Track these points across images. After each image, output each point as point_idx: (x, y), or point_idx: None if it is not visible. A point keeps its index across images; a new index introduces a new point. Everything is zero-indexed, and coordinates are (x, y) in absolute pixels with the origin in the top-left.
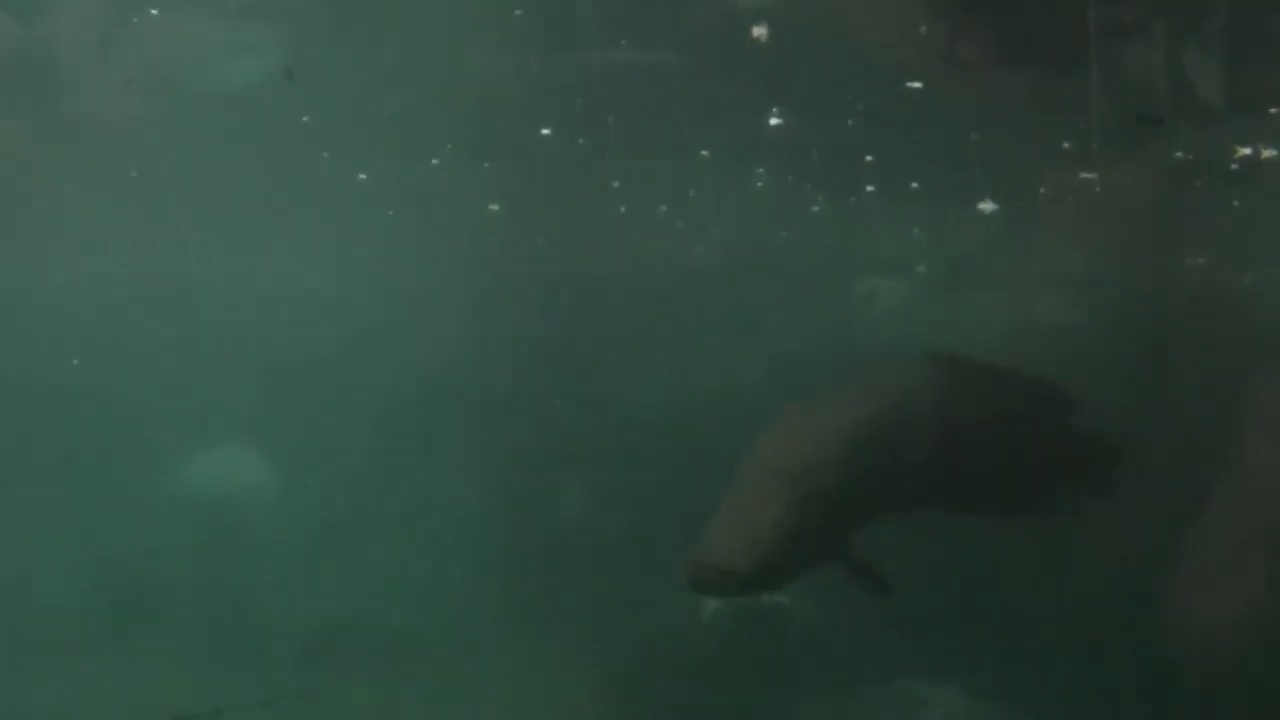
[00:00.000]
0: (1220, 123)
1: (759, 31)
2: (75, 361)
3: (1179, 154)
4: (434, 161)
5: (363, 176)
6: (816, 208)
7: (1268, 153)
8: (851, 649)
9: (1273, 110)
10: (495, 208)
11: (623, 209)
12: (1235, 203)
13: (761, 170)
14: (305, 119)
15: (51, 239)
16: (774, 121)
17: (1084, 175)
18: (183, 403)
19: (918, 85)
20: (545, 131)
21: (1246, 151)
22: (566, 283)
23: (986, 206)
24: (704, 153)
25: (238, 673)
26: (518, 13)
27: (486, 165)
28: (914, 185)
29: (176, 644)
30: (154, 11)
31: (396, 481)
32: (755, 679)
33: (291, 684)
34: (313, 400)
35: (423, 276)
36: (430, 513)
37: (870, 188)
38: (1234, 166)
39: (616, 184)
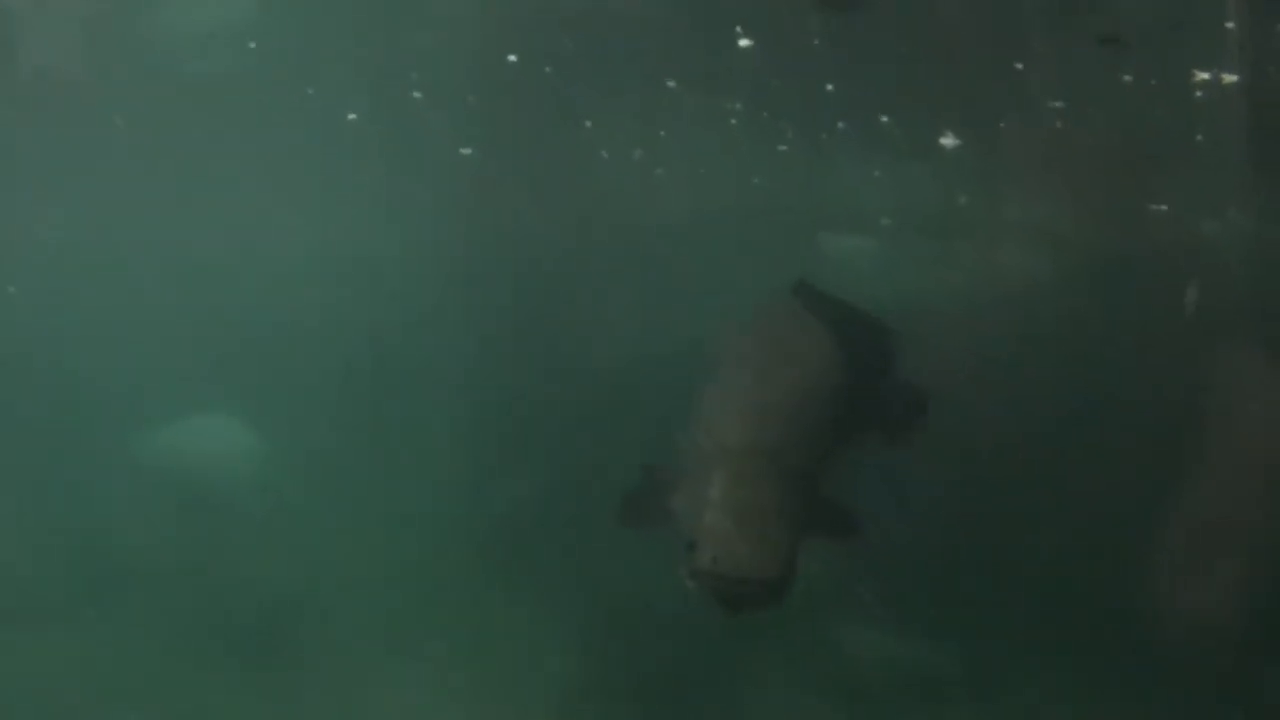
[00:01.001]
0: None
1: None
2: (11, 289)
3: (1128, 77)
4: (416, 94)
5: (352, 116)
6: (784, 147)
7: (1228, 77)
8: (822, 606)
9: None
10: (467, 151)
11: (605, 154)
12: (1198, 137)
13: (739, 106)
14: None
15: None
16: (743, 43)
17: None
18: (150, 370)
19: None
20: (512, 58)
21: (1205, 76)
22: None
23: (948, 141)
24: (670, 83)
25: (206, 645)
26: None
27: (470, 99)
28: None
29: (144, 616)
30: None
31: (369, 452)
32: (726, 640)
33: (260, 656)
34: (284, 368)
35: (397, 234)
36: (402, 485)
37: (841, 124)
38: (1199, 93)
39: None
